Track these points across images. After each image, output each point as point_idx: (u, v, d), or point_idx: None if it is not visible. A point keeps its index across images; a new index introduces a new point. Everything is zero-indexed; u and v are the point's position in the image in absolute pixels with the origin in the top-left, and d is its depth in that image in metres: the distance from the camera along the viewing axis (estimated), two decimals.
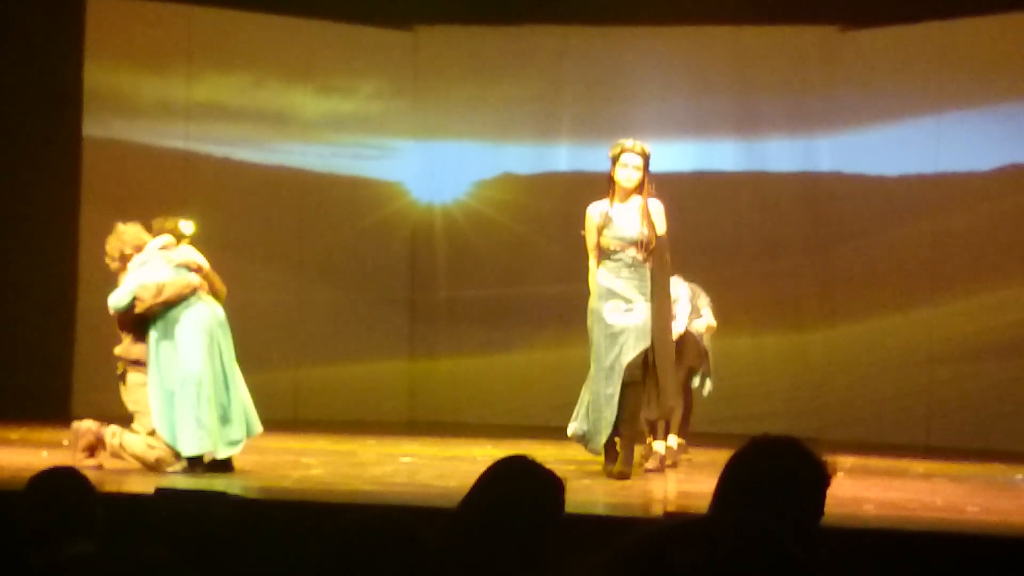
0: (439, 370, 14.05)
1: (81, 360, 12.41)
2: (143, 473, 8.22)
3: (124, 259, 8.64)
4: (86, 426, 8.53)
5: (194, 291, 8.55)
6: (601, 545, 1.79)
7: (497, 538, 3.24)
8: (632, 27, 13.62)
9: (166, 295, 8.43)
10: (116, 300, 8.49)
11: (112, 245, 8.70)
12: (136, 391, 8.48)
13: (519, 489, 3.37)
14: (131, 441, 8.38)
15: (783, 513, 2.84)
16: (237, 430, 8.49)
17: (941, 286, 12.68)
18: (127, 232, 8.70)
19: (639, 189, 8.72)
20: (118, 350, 8.60)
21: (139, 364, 8.50)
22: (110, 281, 8.74)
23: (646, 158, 8.73)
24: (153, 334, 8.44)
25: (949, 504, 7.95)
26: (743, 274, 13.24)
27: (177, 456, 8.33)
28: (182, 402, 8.31)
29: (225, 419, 8.44)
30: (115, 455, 8.41)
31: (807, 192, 13.45)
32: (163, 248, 8.66)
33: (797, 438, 3.11)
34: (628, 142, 8.78)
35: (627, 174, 8.69)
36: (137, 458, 8.35)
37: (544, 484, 3.42)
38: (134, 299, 8.44)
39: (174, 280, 8.50)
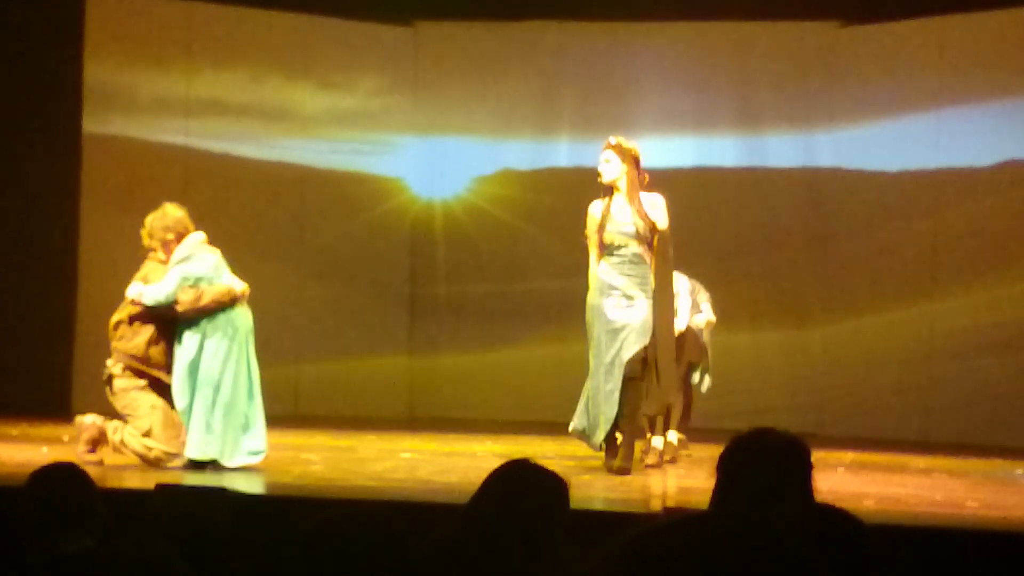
0: (439, 366, 14.06)
1: (81, 356, 12.39)
2: (143, 469, 8.22)
3: (165, 244, 8.45)
4: (90, 420, 8.49)
5: (234, 300, 8.45)
6: (601, 540, 1.79)
7: (503, 543, 3.25)
8: (632, 23, 13.62)
9: (204, 302, 8.33)
10: (156, 295, 8.29)
11: (154, 225, 8.46)
12: (124, 396, 8.40)
13: (524, 494, 3.37)
14: (131, 438, 8.37)
15: (776, 500, 2.88)
16: (258, 440, 8.41)
17: (941, 281, 12.69)
18: (172, 216, 8.46)
19: (630, 185, 8.70)
20: (120, 344, 8.49)
21: (134, 358, 8.42)
22: (131, 265, 8.60)
23: (621, 152, 8.71)
24: (185, 332, 8.36)
25: (949, 499, 7.95)
26: (743, 269, 13.25)
27: (172, 464, 8.32)
28: (197, 404, 8.27)
29: (246, 427, 8.39)
30: (117, 450, 8.40)
31: (807, 187, 13.45)
32: (205, 242, 8.53)
33: (772, 428, 3.17)
34: (612, 139, 8.80)
35: (600, 169, 8.74)
36: (137, 455, 8.35)
37: (549, 488, 3.42)
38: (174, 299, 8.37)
39: (214, 287, 8.38)
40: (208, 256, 8.46)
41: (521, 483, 3.41)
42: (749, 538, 1.73)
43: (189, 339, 8.34)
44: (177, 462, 8.29)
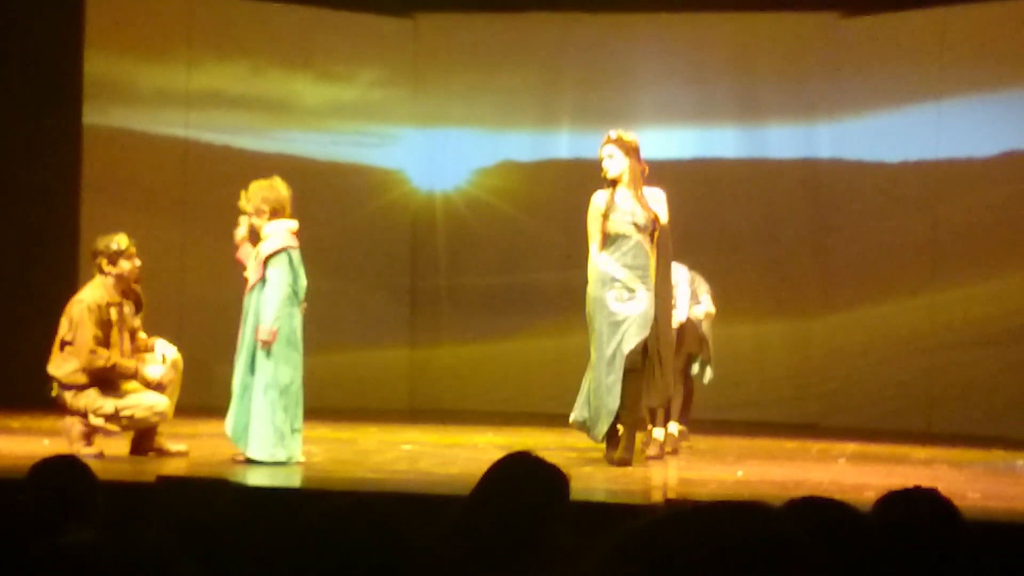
0: (440, 358, 14.05)
1: None
2: (143, 462, 8.24)
3: (258, 212, 8.37)
4: (71, 419, 8.52)
5: (133, 378, 8.49)
6: (603, 532, 1.79)
7: (504, 535, 3.24)
8: (632, 14, 13.61)
9: (110, 374, 8.39)
10: (273, 309, 8.22)
11: (257, 192, 8.40)
12: (78, 400, 8.42)
13: (525, 487, 3.37)
14: (112, 418, 8.41)
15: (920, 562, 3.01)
16: (294, 447, 8.38)
17: (941, 272, 12.68)
18: (277, 193, 8.39)
19: (632, 177, 8.70)
20: (57, 371, 8.50)
21: (61, 385, 8.45)
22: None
23: (624, 146, 8.71)
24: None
25: (950, 490, 7.86)
26: (743, 261, 13.24)
27: (160, 415, 8.38)
28: (263, 405, 8.21)
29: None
30: (107, 432, 8.44)
31: (807, 179, 13.44)
32: (295, 234, 8.40)
33: (936, 491, 3.31)
34: (612, 133, 8.79)
35: (604, 165, 8.73)
36: (124, 428, 8.44)
37: (549, 481, 3.41)
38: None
39: (126, 362, 8.43)
40: (292, 255, 8.35)
41: (522, 476, 3.41)
42: (753, 529, 1.73)
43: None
44: (161, 407, 8.34)
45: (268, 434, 8.19)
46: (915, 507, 3.30)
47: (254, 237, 8.47)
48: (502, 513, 3.29)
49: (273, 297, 8.23)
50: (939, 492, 3.37)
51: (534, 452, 3.48)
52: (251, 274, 8.35)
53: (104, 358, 8.39)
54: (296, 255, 8.36)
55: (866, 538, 3.01)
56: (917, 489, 3.37)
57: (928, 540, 3.18)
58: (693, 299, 10.14)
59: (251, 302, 8.32)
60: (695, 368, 10.32)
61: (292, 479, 7.83)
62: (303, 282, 8.41)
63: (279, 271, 8.27)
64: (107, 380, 8.48)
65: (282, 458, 8.19)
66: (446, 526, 3.31)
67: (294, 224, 8.43)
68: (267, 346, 8.20)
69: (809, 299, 13.41)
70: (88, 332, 8.41)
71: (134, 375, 8.49)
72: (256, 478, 7.67)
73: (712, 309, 10.25)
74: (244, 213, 8.46)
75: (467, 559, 3.20)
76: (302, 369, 8.42)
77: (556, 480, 3.42)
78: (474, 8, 13.93)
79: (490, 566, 3.18)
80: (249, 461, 8.18)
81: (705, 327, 10.25)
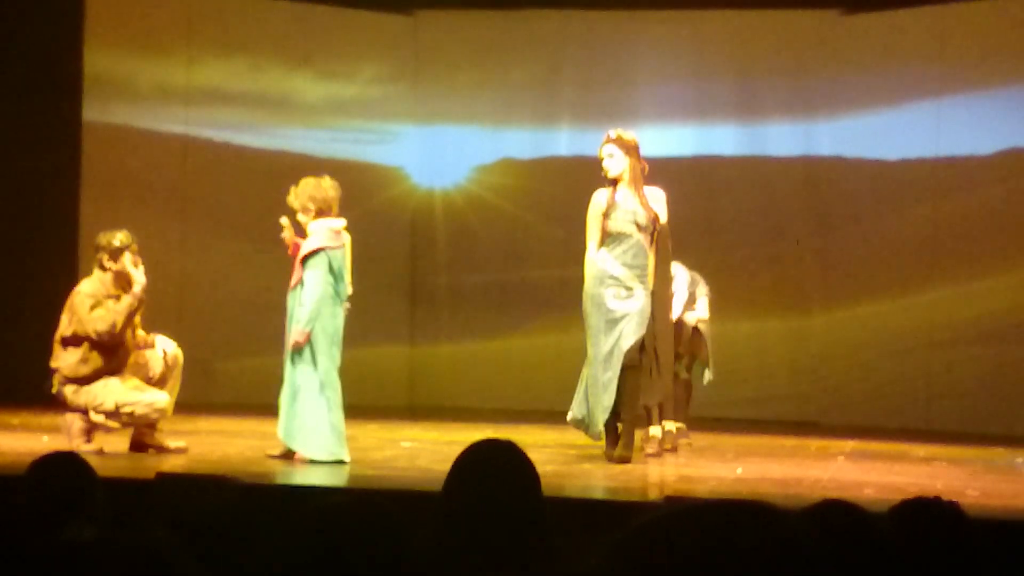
0: (439, 355, 14.06)
1: None
2: (143, 458, 8.24)
3: (304, 210, 8.34)
4: (71, 415, 8.52)
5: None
6: (602, 529, 1.79)
7: (478, 525, 3.25)
8: (632, 11, 13.61)
9: (120, 325, 8.37)
10: (311, 302, 8.23)
11: (305, 189, 8.36)
12: (78, 397, 8.42)
13: (484, 474, 3.39)
14: (111, 414, 8.41)
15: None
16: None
17: (941, 270, 12.68)
18: (324, 191, 8.35)
19: (633, 176, 8.70)
20: (62, 366, 8.50)
21: (68, 379, 8.46)
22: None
23: (623, 145, 8.70)
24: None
25: (949, 488, 7.94)
26: (743, 258, 13.25)
27: (160, 411, 8.37)
28: (320, 404, 8.19)
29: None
30: (107, 429, 8.44)
31: (807, 176, 13.44)
32: (338, 233, 8.36)
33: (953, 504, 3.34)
34: (611, 132, 8.78)
35: (604, 165, 8.72)
36: (124, 424, 8.42)
37: (510, 464, 3.43)
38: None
39: (121, 305, 8.40)
40: (332, 255, 8.31)
41: (480, 463, 3.43)
42: (751, 527, 1.73)
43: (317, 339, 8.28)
44: (161, 404, 8.34)
45: (327, 433, 8.16)
46: (929, 518, 3.31)
47: (300, 233, 8.48)
48: (473, 503, 3.30)
49: (308, 299, 8.23)
50: (958, 505, 3.38)
51: (496, 439, 3.52)
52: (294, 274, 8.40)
53: (104, 312, 8.38)
54: (337, 255, 8.33)
55: (881, 544, 3.02)
56: (936, 500, 3.38)
57: (939, 552, 3.20)
58: (690, 301, 10.12)
59: (292, 303, 8.35)
60: (696, 370, 10.31)
61: (291, 476, 7.83)
62: (344, 281, 8.40)
63: (316, 272, 8.26)
64: (109, 366, 8.47)
65: (342, 456, 8.18)
66: (432, 523, 3.33)
67: (338, 223, 8.39)
68: (299, 347, 8.20)
69: (809, 296, 13.42)
70: (85, 307, 8.43)
71: (139, 306, 8.46)
72: (256, 475, 7.67)
73: (706, 315, 10.21)
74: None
75: (460, 554, 3.20)
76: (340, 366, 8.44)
77: (514, 457, 3.44)
78: (474, 5, 13.94)
79: (483, 558, 3.18)
80: (312, 462, 8.13)
81: (703, 329, 10.24)
